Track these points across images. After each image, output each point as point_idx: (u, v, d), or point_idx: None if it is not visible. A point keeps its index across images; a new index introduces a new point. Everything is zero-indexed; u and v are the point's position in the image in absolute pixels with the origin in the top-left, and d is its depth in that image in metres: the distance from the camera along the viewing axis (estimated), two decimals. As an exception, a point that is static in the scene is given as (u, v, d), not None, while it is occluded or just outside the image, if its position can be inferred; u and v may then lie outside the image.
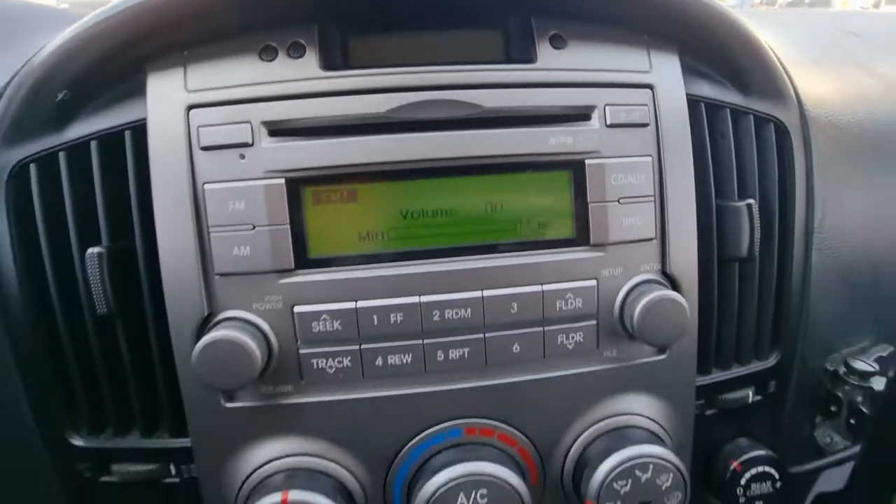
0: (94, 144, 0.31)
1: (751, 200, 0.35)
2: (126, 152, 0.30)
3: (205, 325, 0.29)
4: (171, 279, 0.29)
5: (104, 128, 0.30)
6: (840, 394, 0.41)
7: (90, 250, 0.30)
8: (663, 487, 0.30)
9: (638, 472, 0.29)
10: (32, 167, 0.31)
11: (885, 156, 0.45)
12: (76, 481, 0.34)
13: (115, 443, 0.33)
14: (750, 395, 0.38)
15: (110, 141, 0.31)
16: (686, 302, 0.30)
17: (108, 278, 0.30)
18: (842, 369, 0.40)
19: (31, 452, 0.33)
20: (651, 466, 0.29)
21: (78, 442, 0.33)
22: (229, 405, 0.30)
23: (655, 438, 0.31)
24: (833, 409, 0.41)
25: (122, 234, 0.31)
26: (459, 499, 0.28)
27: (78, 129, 0.31)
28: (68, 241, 0.31)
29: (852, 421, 0.40)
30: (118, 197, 0.31)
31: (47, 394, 0.33)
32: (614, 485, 0.29)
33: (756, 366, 0.38)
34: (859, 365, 0.39)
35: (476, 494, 0.28)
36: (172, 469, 0.33)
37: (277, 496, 0.27)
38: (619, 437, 0.31)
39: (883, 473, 0.36)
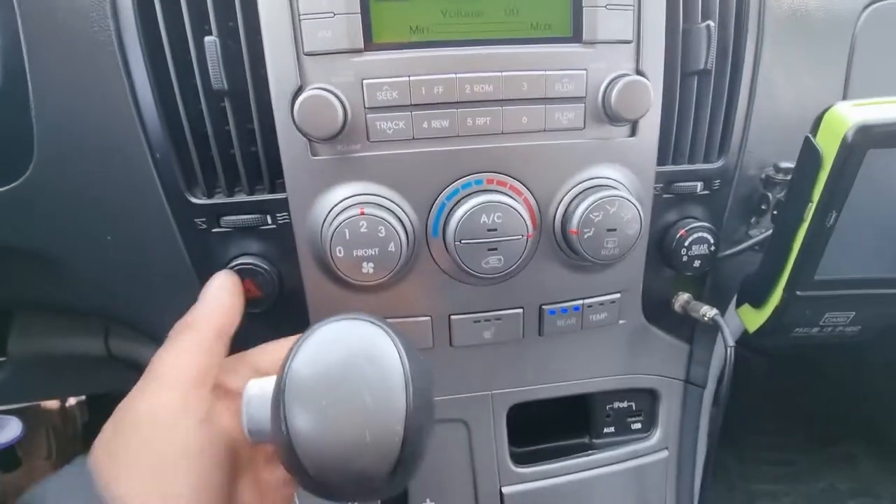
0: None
1: (710, 22, 0.45)
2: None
3: (297, 94, 0.39)
4: (273, 58, 0.39)
5: (209, -62, 0.39)
6: (769, 194, 0.53)
7: (208, 38, 0.39)
8: (625, 219, 0.42)
9: (608, 207, 0.41)
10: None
11: (828, 21, 0.54)
12: (194, 233, 0.45)
13: (224, 200, 0.44)
14: (699, 186, 0.50)
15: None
16: (651, 86, 0.41)
17: (222, 60, 0.39)
18: (772, 171, 0.51)
19: (160, 213, 0.44)
20: (617, 202, 0.41)
21: (196, 200, 0.44)
22: (315, 158, 0.41)
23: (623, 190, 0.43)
24: (763, 207, 0.54)
25: (225, 31, 0.41)
26: (482, 218, 0.40)
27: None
28: (185, 36, 0.41)
29: (775, 212, 0.52)
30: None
31: (171, 166, 0.43)
32: (591, 215, 0.41)
33: (705, 165, 0.50)
34: (785, 164, 0.50)
35: (494, 216, 0.40)
36: (269, 219, 0.44)
37: (356, 210, 0.39)
38: (597, 189, 0.42)
39: (783, 242, 0.48)
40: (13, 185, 0.43)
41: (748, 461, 1.36)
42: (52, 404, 1.12)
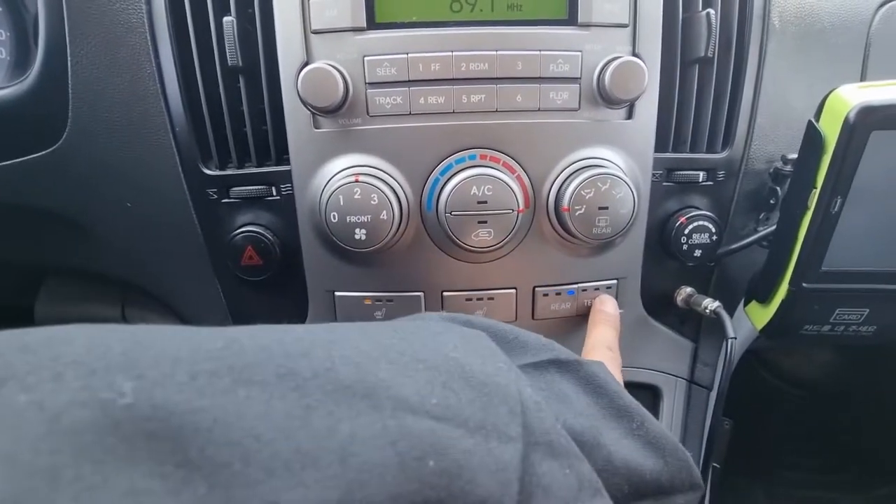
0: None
1: (710, 10, 0.45)
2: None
3: (303, 70, 0.42)
4: (284, 35, 0.42)
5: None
6: (778, 188, 0.51)
7: (226, 18, 0.43)
8: (617, 197, 0.42)
9: (599, 184, 0.41)
10: (181, -36, 0.44)
11: (841, 19, 0.52)
12: (205, 202, 0.48)
13: (235, 172, 0.47)
14: (701, 176, 0.49)
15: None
16: (646, 68, 0.41)
17: (238, 38, 0.43)
18: (780, 164, 0.50)
19: (176, 182, 0.48)
20: (609, 180, 0.41)
21: (209, 171, 0.47)
22: (317, 130, 0.43)
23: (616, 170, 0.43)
24: (772, 202, 0.52)
25: (243, 15, 0.44)
26: (472, 190, 0.41)
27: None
28: (207, 18, 0.44)
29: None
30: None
31: (188, 139, 0.47)
32: (582, 192, 0.41)
33: (707, 155, 0.49)
34: (792, 155, 0.49)
35: (484, 188, 0.41)
36: (274, 190, 0.47)
37: (352, 177, 0.41)
38: (590, 168, 0.43)
39: (788, 233, 0.46)
40: (48, 150, 0.47)
41: (780, 497, 1.27)
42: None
